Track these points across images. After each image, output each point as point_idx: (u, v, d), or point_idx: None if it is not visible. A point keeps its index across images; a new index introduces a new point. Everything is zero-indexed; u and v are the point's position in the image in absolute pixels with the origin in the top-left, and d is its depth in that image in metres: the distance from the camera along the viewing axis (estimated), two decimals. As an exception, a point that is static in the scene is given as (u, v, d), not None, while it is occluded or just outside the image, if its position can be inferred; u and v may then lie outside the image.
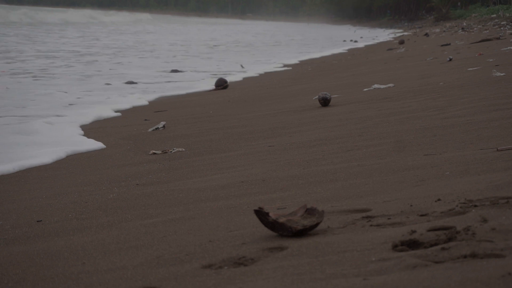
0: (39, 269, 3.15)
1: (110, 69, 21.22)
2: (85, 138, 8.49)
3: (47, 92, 14.60)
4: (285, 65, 22.98)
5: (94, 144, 7.91)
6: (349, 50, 32.95)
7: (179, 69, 21.30)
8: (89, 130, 9.35)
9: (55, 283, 2.91)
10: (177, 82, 17.53)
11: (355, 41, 43.95)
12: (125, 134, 8.55)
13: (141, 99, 13.39)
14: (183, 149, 6.99)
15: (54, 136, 8.59)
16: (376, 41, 43.50)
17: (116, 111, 11.53)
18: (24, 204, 5.00)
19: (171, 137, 7.96)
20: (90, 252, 3.35)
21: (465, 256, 2.48)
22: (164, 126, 8.79)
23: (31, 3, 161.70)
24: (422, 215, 3.18)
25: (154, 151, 6.98)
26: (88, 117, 10.63)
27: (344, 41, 45.09)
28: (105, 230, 3.87)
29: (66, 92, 14.58)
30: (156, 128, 8.76)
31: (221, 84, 14.93)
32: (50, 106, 12.27)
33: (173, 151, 6.92)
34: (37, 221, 4.32)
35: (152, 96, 14.12)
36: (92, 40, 42.41)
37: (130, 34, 54.75)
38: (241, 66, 21.94)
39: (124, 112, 11.64)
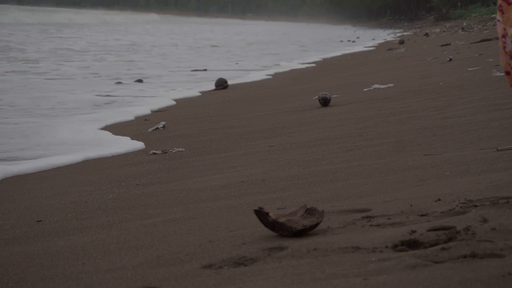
0: (39, 269, 3.15)
1: (126, 69, 21.20)
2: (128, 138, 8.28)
3: (67, 92, 14.59)
4: (303, 63, 23.05)
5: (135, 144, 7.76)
6: (363, 48, 32.98)
7: (199, 68, 21.34)
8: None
9: (55, 283, 2.91)
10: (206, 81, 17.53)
11: (353, 41, 43.88)
12: (125, 134, 8.55)
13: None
14: (183, 149, 6.99)
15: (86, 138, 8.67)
16: (376, 41, 43.47)
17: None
18: (24, 204, 5.00)
19: (171, 137, 7.96)
20: (90, 252, 3.35)
21: (465, 256, 2.48)
22: (164, 126, 8.79)
23: (31, 3, 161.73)
24: (422, 215, 3.18)
25: (154, 151, 6.98)
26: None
27: (341, 41, 45.03)
28: (105, 230, 3.87)
29: (74, 93, 14.59)
30: (156, 128, 8.76)
31: (221, 84, 14.92)
32: (76, 106, 12.26)
33: (173, 151, 6.92)
34: (37, 221, 4.31)
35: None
36: (100, 40, 42.45)
37: (142, 34, 54.88)
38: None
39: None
